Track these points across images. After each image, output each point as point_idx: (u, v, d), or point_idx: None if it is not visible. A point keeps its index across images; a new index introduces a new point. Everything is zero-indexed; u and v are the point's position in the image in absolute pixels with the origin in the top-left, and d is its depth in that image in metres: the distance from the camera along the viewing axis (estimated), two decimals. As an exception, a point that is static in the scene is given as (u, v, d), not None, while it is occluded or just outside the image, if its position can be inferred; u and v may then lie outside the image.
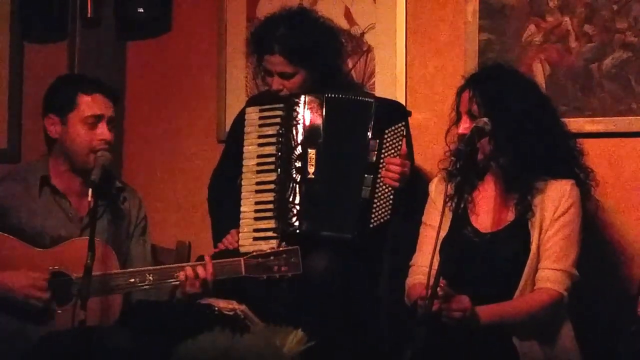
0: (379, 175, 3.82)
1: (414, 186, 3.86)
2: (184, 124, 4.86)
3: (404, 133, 3.86)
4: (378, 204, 3.82)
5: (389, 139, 3.85)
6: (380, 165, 3.83)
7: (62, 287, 3.57)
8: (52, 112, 3.73)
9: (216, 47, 4.78)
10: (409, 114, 3.94)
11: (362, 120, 3.87)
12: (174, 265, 3.72)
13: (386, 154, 3.83)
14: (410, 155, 3.88)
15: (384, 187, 3.82)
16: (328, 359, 3.55)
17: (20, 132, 5.02)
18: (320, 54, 3.97)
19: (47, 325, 3.55)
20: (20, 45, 5.03)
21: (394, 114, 3.90)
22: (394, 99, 4.21)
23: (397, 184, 3.80)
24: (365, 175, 3.84)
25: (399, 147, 3.83)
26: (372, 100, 3.93)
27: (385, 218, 3.82)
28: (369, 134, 3.85)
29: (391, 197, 3.82)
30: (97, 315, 3.54)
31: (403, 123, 3.87)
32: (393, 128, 3.85)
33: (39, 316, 3.55)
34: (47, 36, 4.97)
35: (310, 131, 3.89)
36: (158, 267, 3.70)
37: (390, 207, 3.82)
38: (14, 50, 5.01)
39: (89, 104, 3.69)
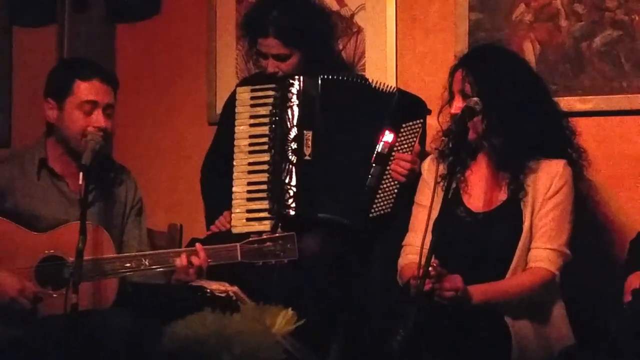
0: (388, 168, 3.81)
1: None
2: (174, 106, 4.85)
3: (420, 130, 3.84)
4: (382, 195, 3.80)
5: (404, 134, 3.82)
6: (391, 158, 3.81)
7: (57, 271, 3.56)
8: (50, 96, 3.72)
9: (206, 29, 4.76)
10: (428, 112, 3.87)
11: (379, 109, 3.84)
12: (170, 250, 3.71)
13: (399, 148, 3.81)
14: (421, 153, 3.86)
15: (390, 180, 3.80)
16: (320, 339, 3.56)
17: (10, 117, 5.01)
18: (315, 35, 3.96)
19: (39, 311, 3.54)
20: (9, 29, 5.01)
21: (414, 109, 3.86)
22: (385, 80, 4.16)
23: (404, 179, 3.78)
24: (374, 165, 3.81)
25: (413, 143, 3.81)
26: (396, 92, 3.89)
27: (386, 210, 3.80)
28: (385, 124, 3.83)
29: (395, 190, 3.80)
30: (92, 299, 3.55)
31: (421, 120, 3.84)
32: (411, 123, 3.82)
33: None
34: (36, 20, 4.95)
35: (307, 113, 3.85)
36: (154, 251, 3.70)
37: (392, 200, 3.80)
38: (2, 34, 5.00)
39: (85, 90, 3.67)
